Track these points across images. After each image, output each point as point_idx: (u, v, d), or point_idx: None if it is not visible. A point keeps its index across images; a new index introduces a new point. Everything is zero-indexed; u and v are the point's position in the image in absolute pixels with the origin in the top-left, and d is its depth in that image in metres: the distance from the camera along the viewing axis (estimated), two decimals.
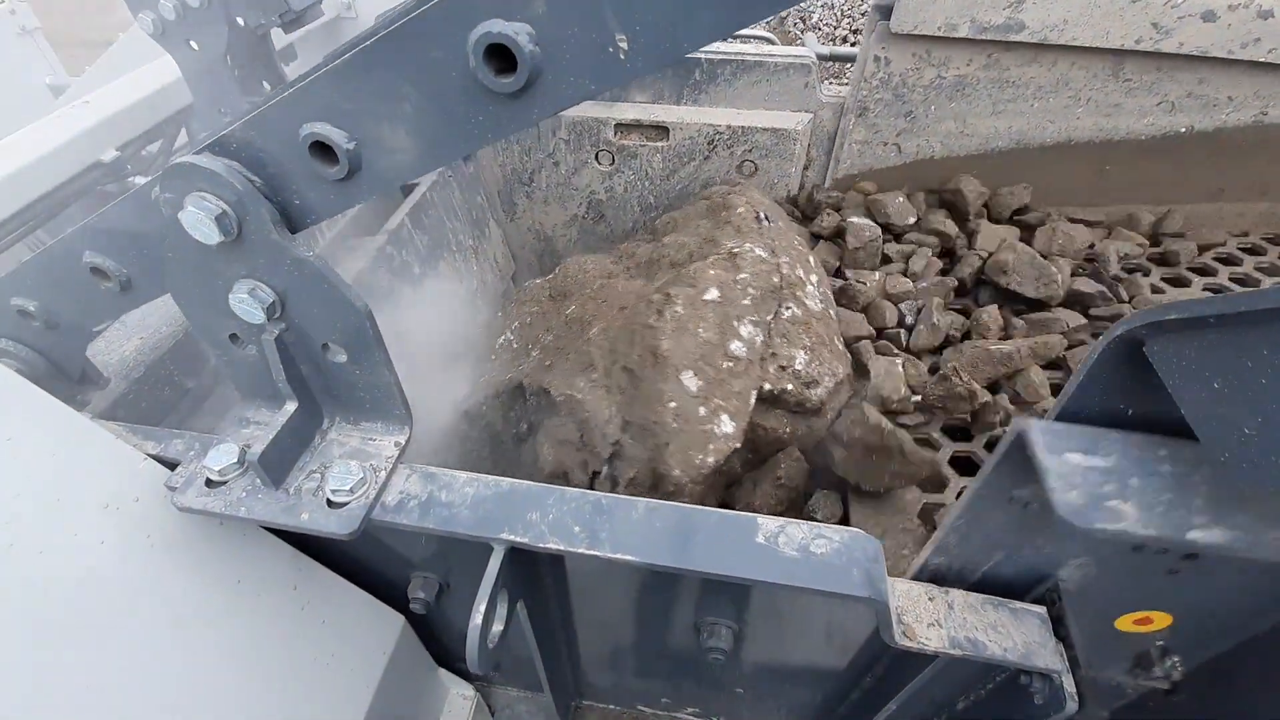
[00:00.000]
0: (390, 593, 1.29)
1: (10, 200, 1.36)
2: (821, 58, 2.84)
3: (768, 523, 0.94)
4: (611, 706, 1.72)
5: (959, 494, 1.53)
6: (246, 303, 0.84)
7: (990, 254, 2.00)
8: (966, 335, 1.91)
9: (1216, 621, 0.93)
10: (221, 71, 1.52)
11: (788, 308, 1.74)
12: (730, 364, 1.56)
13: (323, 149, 0.72)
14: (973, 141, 2.13)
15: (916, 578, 1.02)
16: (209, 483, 0.95)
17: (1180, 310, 0.69)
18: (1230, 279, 2.01)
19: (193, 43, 1.46)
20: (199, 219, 0.75)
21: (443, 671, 1.54)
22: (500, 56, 0.62)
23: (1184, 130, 2.02)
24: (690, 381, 1.50)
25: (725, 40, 2.37)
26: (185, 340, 1.39)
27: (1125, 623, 0.96)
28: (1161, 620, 0.94)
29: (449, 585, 1.26)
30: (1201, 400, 0.67)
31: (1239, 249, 2.10)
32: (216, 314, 0.89)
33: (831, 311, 1.87)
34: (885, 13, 1.94)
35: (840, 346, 1.78)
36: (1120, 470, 0.72)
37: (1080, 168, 2.13)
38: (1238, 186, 2.13)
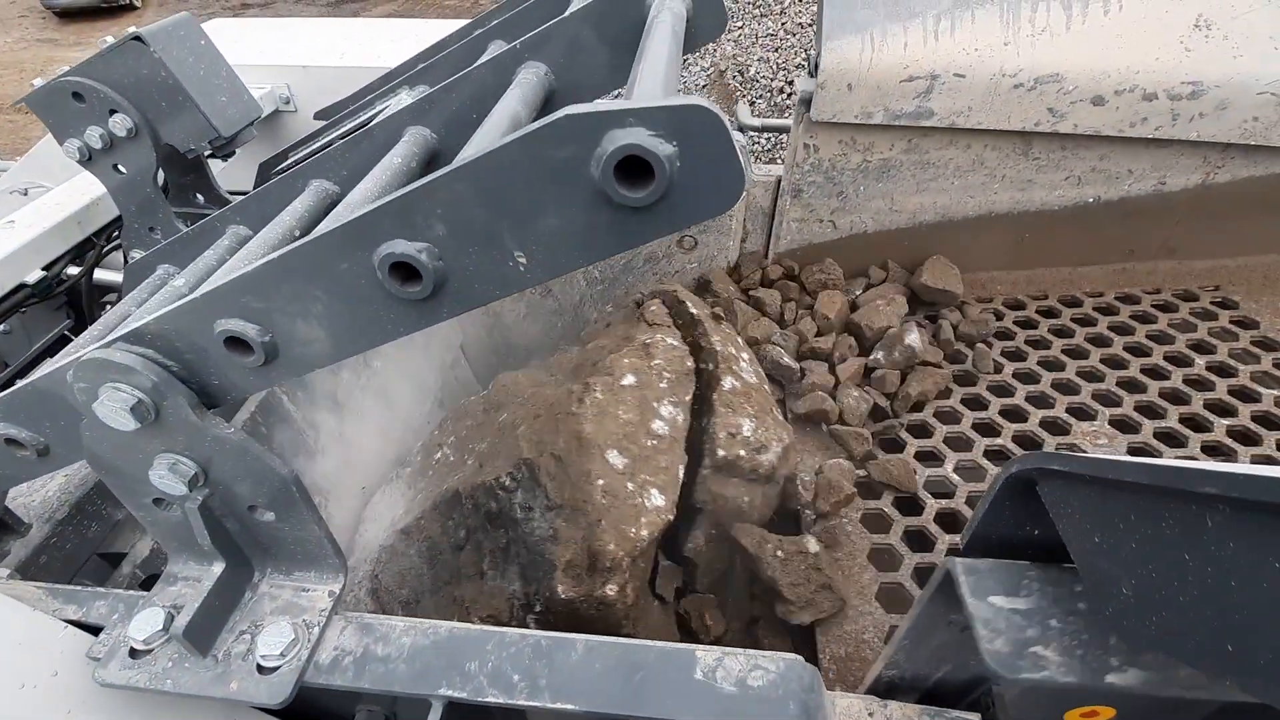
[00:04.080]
0: None
1: None
2: (753, 129, 2.96)
3: (706, 655, 0.95)
4: None
5: (912, 570, 1.58)
6: (167, 478, 0.83)
7: None
8: None
9: (1156, 713, 0.97)
10: (149, 189, 1.51)
11: (726, 380, 1.79)
12: (654, 442, 1.60)
13: (238, 342, 0.73)
14: (901, 217, 2.24)
15: (873, 689, 1.05)
16: (133, 652, 0.92)
17: (1061, 462, 0.74)
18: (1147, 336, 2.13)
19: (120, 166, 1.46)
20: (114, 410, 0.75)
21: None
22: (406, 269, 0.64)
23: (1092, 200, 2.16)
24: (616, 459, 1.53)
25: None
26: None
27: (1074, 716, 1.00)
28: (1107, 712, 0.98)
29: (396, 715, 1.24)
30: (1086, 550, 0.71)
31: (1153, 306, 2.23)
32: (137, 484, 0.88)
33: (766, 387, 1.92)
34: (808, 104, 2.04)
35: (780, 416, 1.82)
36: (1040, 612, 0.75)
37: (1001, 237, 2.25)
38: (1146, 247, 2.28)
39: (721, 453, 1.58)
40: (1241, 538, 0.55)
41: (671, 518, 1.48)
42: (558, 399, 1.68)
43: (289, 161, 1.48)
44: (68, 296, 2.50)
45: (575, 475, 1.49)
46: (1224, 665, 0.57)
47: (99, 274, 2.09)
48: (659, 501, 1.47)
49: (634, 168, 0.54)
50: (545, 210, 0.58)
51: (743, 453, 1.59)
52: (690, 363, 1.76)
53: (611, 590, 1.40)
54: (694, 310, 1.95)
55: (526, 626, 1.49)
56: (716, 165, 0.54)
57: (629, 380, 1.66)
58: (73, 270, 2.00)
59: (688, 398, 1.69)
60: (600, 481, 1.48)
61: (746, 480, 1.63)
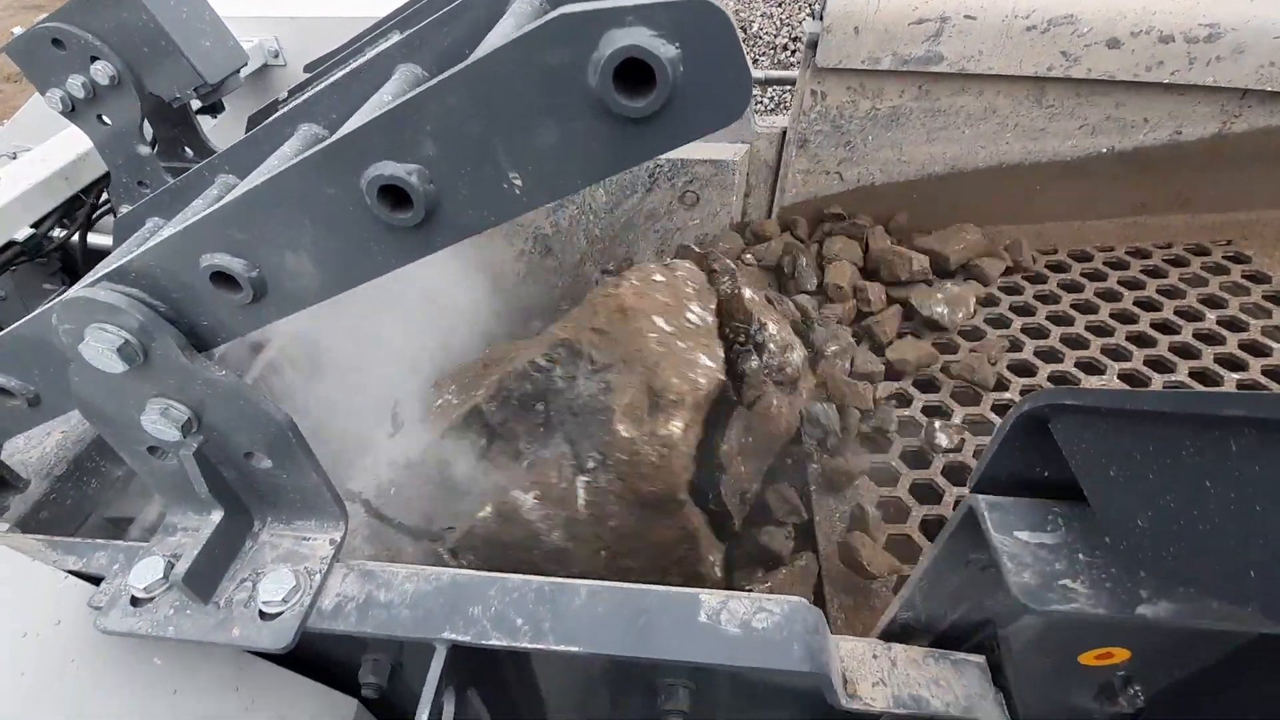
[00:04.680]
0: (341, 676, 1.26)
1: None
2: (755, 82, 2.88)
3: (710, 599, 0.95)
4: None
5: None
6: (160, 423, 0.81)
7: None
8: None
9: (1172, 654, 0.97)
10: (135, 141, 1.47)
11: (746, 290, 1.78)
12: (691, 326, 1.62)
13: (224, 278, 0.70)
14: (910, 168, 2.19)
15: (887, 630, 1.04)
16: (134, 601, 0.91)
17: (1076, 396, 0.72)
18: (1158, 291, 2.10)
19: (104, 117, 1.41)
20: (100, 351, 0.73)
21: None
22: (396, 193, 0.61)
23: (1105, 151, 2.10)
24: (662, 323, 1.55)
25: None
26: None
27: (1088, 658, 0.99)
28: (1121, 654, 0.98)
29: (402, 665, 1.24)
30: (1100, 484, 0.69)
31: (1164, 261, 2.19)
32: (130, 430, 0.86)
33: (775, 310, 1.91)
34: (815, 48, 1.98)
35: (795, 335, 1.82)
36: (1067, 546, 0.74)
37: (1012, 188, 2.20)
38: (1159, 200, 2.23)
39: (751, 345, 1.59)
40: (1266, 461, 0.53)
41: (723, 378, 1.48)
42: (590, 294, 1.66)
43: (279, 112, 1.43)
44: (61, 261, 2.47)
45: (625, 335, 1.48)
46: (1246, 593, 0.55)
47: (94, 239, 2.05)
48: (709, 363, 1.48)
49: (634, 74, 0.51)
50: (541, 124, 0.54)
51: (772, 347, 1.59)
52: (708, 282, 1.76)
53: (676, 427, 1.39)
54: (698, 248, 1.94)
55: (576, 492, 1.49)
56: (723, 69, 0.50)
57: (659, 278, 1.65)
58: (63, 234, 1.97)
59: (712, 304, 1.69)
60: (652, 335, 1.48)
61: (775, 383, 1.62)
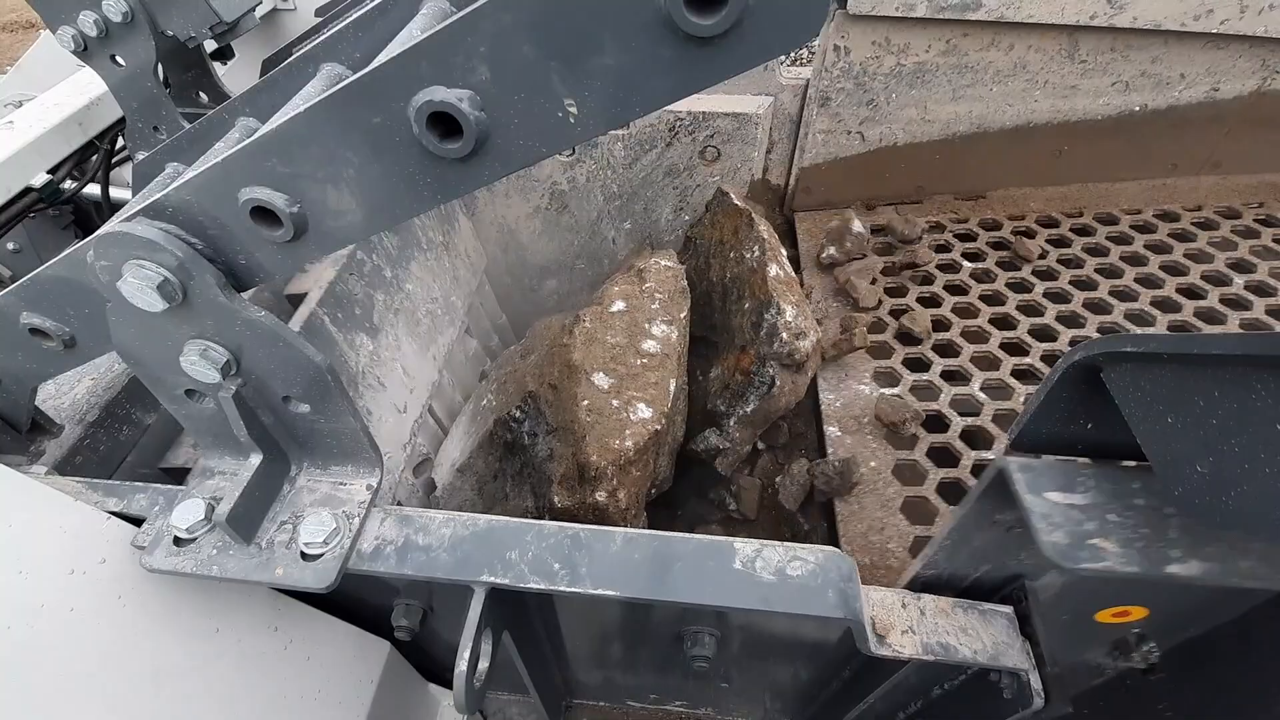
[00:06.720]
0: (374, 620, 1.29)
1: None
2: None
3: (744, 547, 0.95)
4: (601, 704, 1.76)
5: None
6: (199, 364, 0.81)
7: None
8: None
9: (1190, 613, 0.98)
10: (151, 84, 1.43)
11: (772, 267, 1.79)
12: (643, 361, 1.71)
13: (264, 213, 0.69)
14: (934, 128, 2.13)
15: (910, 586, 1.06)
16: (177, 541, 0.92)
17: (1135, 343, 0.70)
18: (1185, 255, 2.06)
19: (118, 58, 1.38)
20: (139, 288, 0.72)
21: (432, 686, 1.55)
22: (445, 122, 0.59)
23: (1138, 109, 2.04)
24: (601, 380, 1.66)
25: None
26: None
27: (1105, 615, 1.00)
28: (1139, 612, 0.99)
29: (433, 609, 1.27)
30: (1156, 433, 0.69)
31: (1193, 224, 2.15)
32: (168, 373, 0.86)
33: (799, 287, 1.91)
34: (842, 0, 1.90)
35: (810, 311, 1.83)
36: (1098, 506, 0.74)
37: (1039, 149, 2.15)
38: (1191, 161, 2.18)
39: (765, 332, 1.63)
40: None
41: (660, 428, 1.57)
42: (554, 336, 1.79)
43: (298, 51, 1.40)
44: (74, 215, 2.44)
45: (566, 399, 1.61)
46: None
47: (112, 192, 2.03)
48: (645, 414, 1.58)
49: None
50: (600, 44, 0.52)
51: (785, 335, 1.61)
52: (683, 282, 1.84)
53: (601, 496, 1.51)
54: (739, 203, 1.94)
55: None
56: None
57: (618, 306, 1.77)
58: (75, 185, 1.94)
59: (682, 315, 1.79)
60: (585, 402, 1.60)
61: (782, 365, 1.64)
